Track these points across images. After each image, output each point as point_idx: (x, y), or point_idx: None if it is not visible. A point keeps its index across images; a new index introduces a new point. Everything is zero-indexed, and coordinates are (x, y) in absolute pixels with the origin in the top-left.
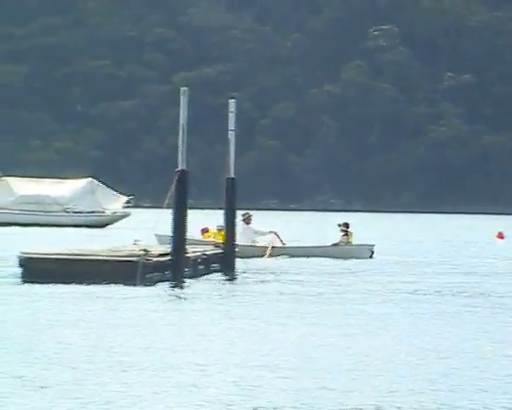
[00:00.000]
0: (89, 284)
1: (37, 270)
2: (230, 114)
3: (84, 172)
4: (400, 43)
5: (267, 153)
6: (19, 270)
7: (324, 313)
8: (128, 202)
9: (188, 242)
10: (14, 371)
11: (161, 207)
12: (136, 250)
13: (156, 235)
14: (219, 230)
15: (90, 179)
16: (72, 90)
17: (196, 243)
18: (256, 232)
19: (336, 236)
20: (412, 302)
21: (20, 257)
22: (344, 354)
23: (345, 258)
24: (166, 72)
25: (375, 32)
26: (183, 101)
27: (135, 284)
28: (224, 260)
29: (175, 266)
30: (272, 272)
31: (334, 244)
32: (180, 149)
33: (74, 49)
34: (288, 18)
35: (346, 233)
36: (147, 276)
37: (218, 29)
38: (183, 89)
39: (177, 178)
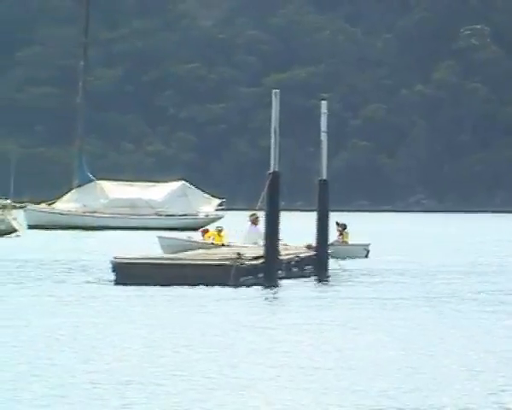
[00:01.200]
0: (182, 287)
1: (129, 274)
2: (322, 115)
3: (176, 175)
4: (492, 42)
5: (359, 154)
6: (112, 274)
7: (423, 317)
8: (220, 204)
9: (189, 244)
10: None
11: (254, 210)
12: (230, 254)
13: (159, 237)
14: (219, 231)
15: (182, 182)
16: (163, 93)
17: (197, 244)
18: (261, 235)
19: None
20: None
21: (113, 262)
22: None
23: (340, 257)
24: (257, 74)
25: (467, 32)
26: (275, 103)
27: (228, 287)
28: (318, 263)
29: (268, 269)
30: (366, 274)
31: (330, 244)
32: (272, 151)
33: (165, 52)
34: (379, 18)
35: (342, 233)
36: (240, 279)
37: (308, 30)
38: (274, 91)
39: (269, 180)
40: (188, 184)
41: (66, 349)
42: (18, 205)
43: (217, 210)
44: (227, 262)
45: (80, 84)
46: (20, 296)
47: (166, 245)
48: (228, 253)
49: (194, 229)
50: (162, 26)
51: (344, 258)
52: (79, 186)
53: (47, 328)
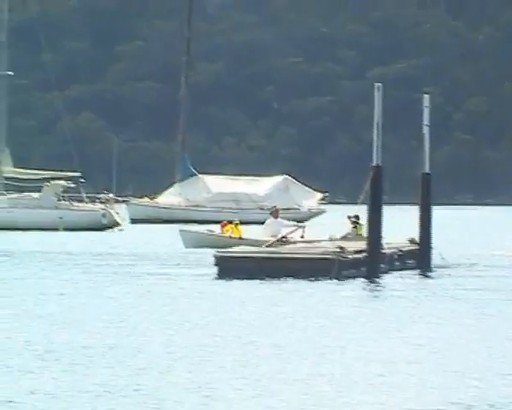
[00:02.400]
0: (285, 281)
1: (232, 268)
2: (425, 109)
3: (278, 170)
4: None
5: (461, 147)
6: (215, 268)
7: None
8: (323, 198)
9: (209, 237)
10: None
11: (356, 204)
12: (332, 247)
13: (180, 230)
14: (236, 224)
15: (284, 177)
16: (265, 87)
17: (217, 237)
18: (284, 225)
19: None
20: None
21: (215, 256)
22: None
23: None
24: (359, 68)
25: None
26: (378, 97)
27: (331, 281)
28: (420, 257)
29: (371, 263)
30: (469, 267)
31: (343, 237)
32: (375, 145)
33: (267, 47)
34: (480, 11)
35: (356, 226)
36: (343, 273)
37: (410, 24)
38: (377, 85)
39: (371, 174)
40: (290, 179)
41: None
42: (121, 199)
43: (319, 204)
44: (330, 256)
45: (182, 78)
46: (127, 292)
47: (188, 238)
48: (330, 247)
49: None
50: (264, 20)
51: None
52: (182, 180)
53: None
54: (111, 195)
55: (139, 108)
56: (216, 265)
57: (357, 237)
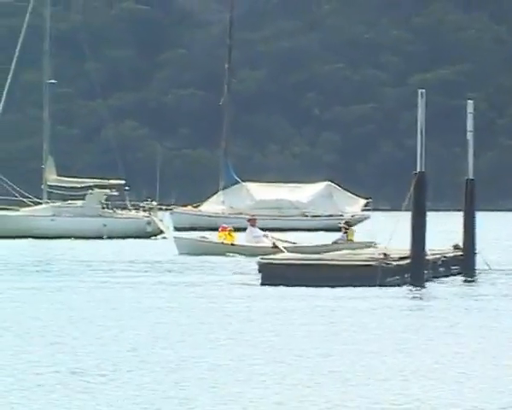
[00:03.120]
0: (328, 288)
1: (276, 275)
2: (469, 115)
3: (321, 177)
4: None
5: (505, 153)
6: (259, 275)
7: None
8: (366, 204)
9: (203, 244)
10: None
11: (399, 210)
12: (376, 254)
13: (174, 237)
14: (229, 231)
15: (327, 183)
16: (307, 94)
17: (210, 244)
18: (260, 234)
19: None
20: None
21: (259, 263)
22: None
23: None
24: (402, 74)
25: None
26: (421, 103)
27: (374, 288)
28: (464, 263)
29: (415, 269)
30: None
31: (334, 242)
32: (418, 151)
33: (309, 53)
34: None
35: (346, 231)
36: (387, 279)
37: (453, 29)
38: (420, 91)
39: (415, 180)
40: (333, 185)
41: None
42: (164, 207)
43: (363, 210)
44: (373, 262)
45: (225, 86)
46: (171, 300)
47: (181, 245)
48: (373, 253)
49: (340, 230)
50: (306, 27)
51: None
52: (225, 188)
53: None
54: (154, 203)
55: (182, 115)
56: (259, 271)
57: (348, 241)
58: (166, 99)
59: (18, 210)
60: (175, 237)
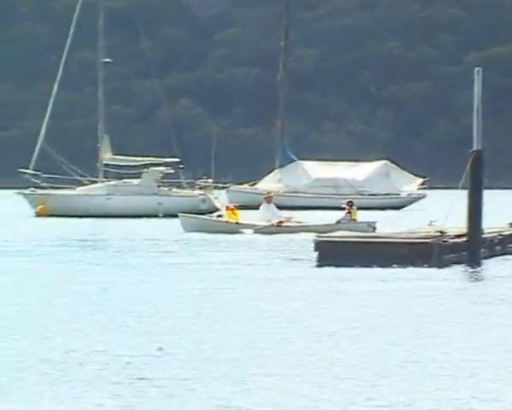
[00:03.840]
0: (384, 266)
1: (332, 253)
2: None
3: (377, 155)
4: None
5: None
6: (315, 253)
7: None
8: (423, 183)
9: (205, 222)
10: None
11: (456, 188)
12: (432, 232)
13: (180, 216)
14: (232, 209)
15: (384, 162)
16: (362, 72)
17: (212, 222)
18: (277, 211)
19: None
20: None
21: (315, 241)
22: None
23: None
24: (457, 52)
25: None
26: (477, 81)
27: (431, 266)
28: None
29: (471, 247)
30: None
31: (338, 221)
32: (475, 129)
33: (364, 32)
34: None
35: (349, 211)
36: (443, 257)
37: (509, 7)
38: (476, 69)
39: (472, 158)
40: (390, 164)
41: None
42: (220, 185)
43: (419, 189)
44: (430, 240)
45: (281, 64)
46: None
47: (187, 223)
48: (430, 231)
49: (397, 208)
50: (361, 5)
51: None
52: (281, 166)
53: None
54: (210, 181)
55: (237, 94)
56: (316, 250)
57: (351, 221)
58: (221, 77)
59: (74, 189)
60: (180, 216)
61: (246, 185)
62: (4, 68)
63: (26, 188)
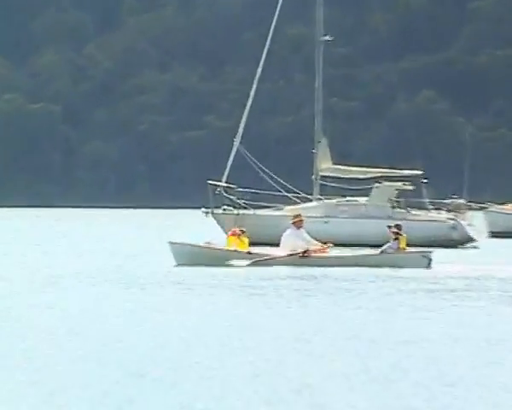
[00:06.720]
0: None
1: None
2: None
3: None
4: None
5: None
6: None
7: None
8: None
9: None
10: None
11: None
12: None
13: (170, 243)
14: (239, 236)
15: None
16: None
17: (215, 251)
18: (307, 238)
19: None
20: None
21: None
22: None
23: (394, 267)
24: None
25: None
26: None
27: None
28: None
29: None
30: None
31: (382, 251)
32: None
33: None
34: None
35: (397, 237)
36: None
37: None
38: None
39: None
40: None
41: None
42: (475, 206)
43: None
44: None
45: None
46: None
47: (178, 253)
48: None
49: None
50: None
51: (399, 268)
52: None
53: None
54: (462, 200)
55: (497, 84)
56: None
57: (399, 250)
58: (475, 61)
59: (282, 209)
60: (170, 243)
61: (510, 205)
62: (183, 51)
63: (216, 206)
